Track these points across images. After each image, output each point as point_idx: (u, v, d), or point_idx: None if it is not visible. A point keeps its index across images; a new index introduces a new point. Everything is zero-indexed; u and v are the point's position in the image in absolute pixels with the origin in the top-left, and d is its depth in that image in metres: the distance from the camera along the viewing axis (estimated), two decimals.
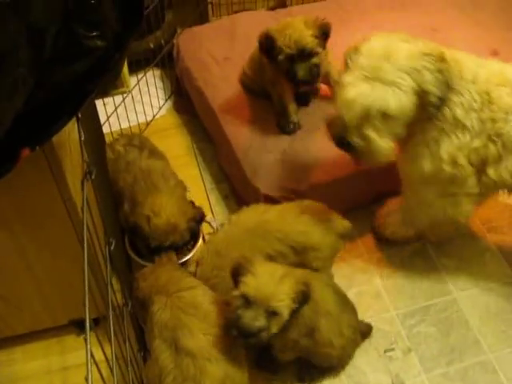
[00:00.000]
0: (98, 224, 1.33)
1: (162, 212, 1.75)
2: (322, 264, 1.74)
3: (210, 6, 2.78)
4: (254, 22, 2.50)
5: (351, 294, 1.83)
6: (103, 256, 1.32)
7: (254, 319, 1.36)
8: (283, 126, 2.11)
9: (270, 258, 1.66)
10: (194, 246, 1.88)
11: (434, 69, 1.50)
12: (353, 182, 1.99)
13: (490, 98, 1.56)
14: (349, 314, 1.68)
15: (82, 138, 1.24)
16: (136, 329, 1.69)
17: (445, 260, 2.02)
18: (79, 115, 1.24)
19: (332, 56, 2.06)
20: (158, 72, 2.74)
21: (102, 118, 2.16)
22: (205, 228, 2.04)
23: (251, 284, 1.39)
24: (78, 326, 1.73)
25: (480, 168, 1.64)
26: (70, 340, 1.77)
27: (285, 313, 1.39)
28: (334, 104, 1.62)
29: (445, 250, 2.04)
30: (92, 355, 0.94)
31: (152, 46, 2.44)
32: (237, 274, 1.44)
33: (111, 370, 1.12)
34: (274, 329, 1.40)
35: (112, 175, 1.93)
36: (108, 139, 2.18)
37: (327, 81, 2.14)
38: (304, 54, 1.89)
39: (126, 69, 2.57)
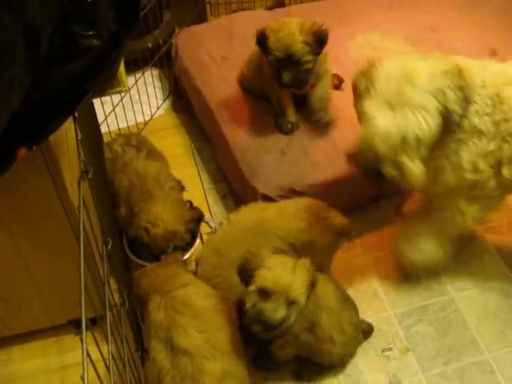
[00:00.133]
0: (95, 223, 1.33)
1: (158, 221, 1.76)
2: (320, 262, 1.74)
3: (208, 5, 2.79)
4: (252, 21, 2.49)
5: (349, 294, 1.82)
6: (100, 255, 1.32)
7: (275, 311, 1.38)
8: (281, 125, 2.11)
9: None
10: (191, 246, 1.87)
11: (454, 87, 1.47)
12: (350, 182, 1.98)
13: (500, 99, 1.54)
14: (350, 311, 1.69)
15: (79, 138, 1.24)
16: (134, 329, 1.69)
17: None
18: (76, 114, 1.23)
19: (330, 58, 2.05)
20: (156, 71, 2.74)
21: (100, 117, 2.16)
22: (203, 228, 2.04)
23: (268, 277, 1.40)
24: (76, 325, 1.73)
25: (496, 169, 1.62)
26: (68, 339, 1.77)
27: (302, 300, 1.42)
28: (358, 135, 1.55)
29: None
30: (89, 355, 0.94)
31: (150, 45, 2.44)
32: (245, 270, 1.45)
33: (108, 369, 1.12)
34: (293, 318, 1.42)
35: (110, 175, 1.93)
36: (106, 139, 2.18)
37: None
38: (292, 60, 1.86)
39: (122, 68, 2.56)
